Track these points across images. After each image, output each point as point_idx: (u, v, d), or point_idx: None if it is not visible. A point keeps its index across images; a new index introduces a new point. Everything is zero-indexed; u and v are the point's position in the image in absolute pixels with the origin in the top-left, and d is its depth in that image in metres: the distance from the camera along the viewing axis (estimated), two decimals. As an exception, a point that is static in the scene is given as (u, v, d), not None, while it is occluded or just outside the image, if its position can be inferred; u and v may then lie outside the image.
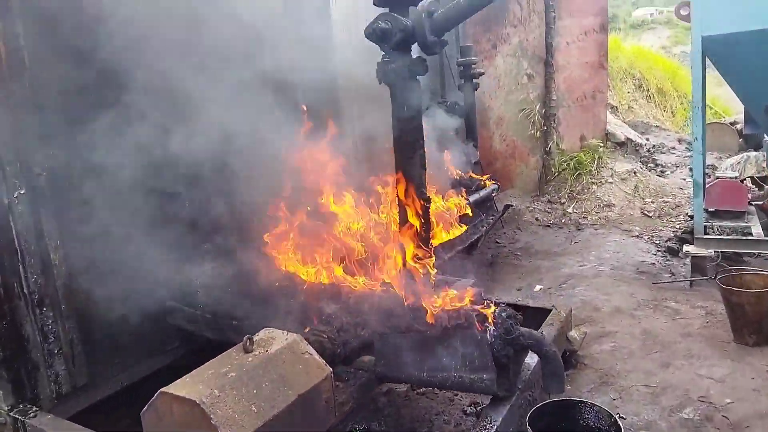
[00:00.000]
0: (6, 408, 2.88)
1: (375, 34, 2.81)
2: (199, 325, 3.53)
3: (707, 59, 5.33)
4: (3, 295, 2.87)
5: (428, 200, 3.02)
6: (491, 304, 2.88)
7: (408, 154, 2.95)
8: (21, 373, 2.95)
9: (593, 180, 7.71)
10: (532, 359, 3.09)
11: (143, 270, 3.51)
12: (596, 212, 7.30)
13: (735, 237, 5.17)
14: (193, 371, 2.32)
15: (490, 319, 2.73)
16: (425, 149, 3.03)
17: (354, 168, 4.44)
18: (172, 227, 3.56)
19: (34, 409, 2.91)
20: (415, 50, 2.89)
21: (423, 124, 2.99)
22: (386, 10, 2.82)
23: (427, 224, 3.01)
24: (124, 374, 3.45)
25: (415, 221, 2.95)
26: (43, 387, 3.04)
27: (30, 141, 2.98)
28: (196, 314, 3.53)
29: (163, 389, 2.20)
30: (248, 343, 2.45)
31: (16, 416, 2.85)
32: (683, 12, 5.56)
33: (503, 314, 2.82)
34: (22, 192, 2.94)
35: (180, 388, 2.19)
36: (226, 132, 3.46)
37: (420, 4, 2.78)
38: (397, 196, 2.98)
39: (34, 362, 3.00)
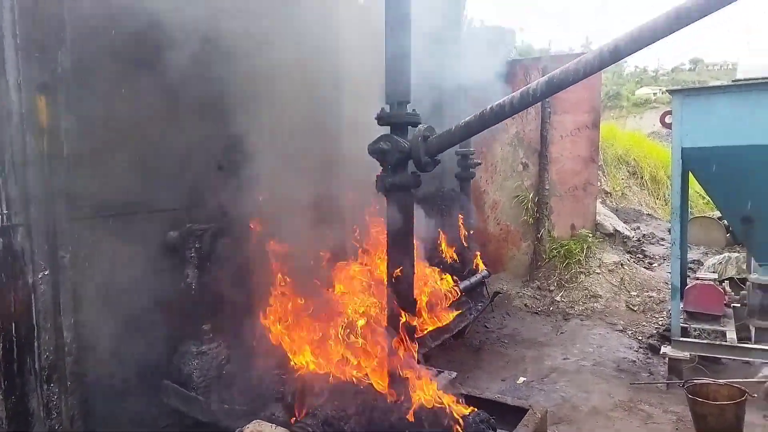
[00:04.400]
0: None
1: (376, 153, 3.18)
2: (192, 407, 3.72)
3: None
4: (16, 371, 3.10)
5: (414, 303, 3.31)
6: (466, 408, 3.11)
7: (398, 259, 3.26)
8: (23, 447, 3.15)
9: (582, 269, 7.99)
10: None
11: (143, 347, 3.77)
12: (583, 302, 7.54)
13: (710, 341, 5.38)
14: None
15: (461, 425, 2.95)
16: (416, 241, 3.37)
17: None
18: (174, 313, 3.85)
19: (31, 482, 3.09)
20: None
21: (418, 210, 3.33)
22: (388, 130, 3.20)
23: (412, 324, 3.29)
24: (118, 449, 3.62)
25: (399, 320, 3.22)
26: (42, 460, 3.23)
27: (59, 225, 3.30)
28: (190, 396, 3.73)
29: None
30: (239, 437, 2.67)
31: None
32: (668, 120, 5.95)
33: (477, 418, 3.05)
34: (46, 273, 3.22)
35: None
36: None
37: (417, 128, 3.15)
38: (386, 294, 3.27)
39: (37, 436, 3.20)
